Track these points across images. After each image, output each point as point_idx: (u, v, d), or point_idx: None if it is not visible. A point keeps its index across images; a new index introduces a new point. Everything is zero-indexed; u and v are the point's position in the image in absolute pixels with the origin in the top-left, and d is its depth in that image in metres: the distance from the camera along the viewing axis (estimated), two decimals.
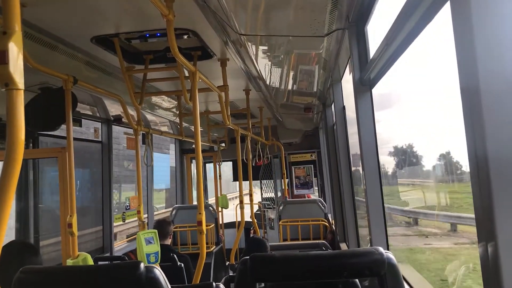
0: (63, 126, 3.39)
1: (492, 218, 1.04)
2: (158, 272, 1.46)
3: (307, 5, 2.49)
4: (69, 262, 3.11)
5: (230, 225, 8.79)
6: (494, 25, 1.07)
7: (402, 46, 1.85)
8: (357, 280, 1.75)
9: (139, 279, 1.39)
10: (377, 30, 2.52)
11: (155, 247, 3.85)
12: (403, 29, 1.66)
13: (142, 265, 1.42)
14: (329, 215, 7.28)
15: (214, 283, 1.82)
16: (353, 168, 4.56)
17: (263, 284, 2.17)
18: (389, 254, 1.39)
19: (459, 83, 1.12)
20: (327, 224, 6.96)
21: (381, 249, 1.39)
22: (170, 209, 8.02)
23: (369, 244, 2.86)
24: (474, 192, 1.13)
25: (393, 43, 1.83)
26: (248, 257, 1.41)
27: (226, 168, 10.58)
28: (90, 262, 3.17)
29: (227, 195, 8.13)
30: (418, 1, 1.43)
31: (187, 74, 3.59)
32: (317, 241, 5.29)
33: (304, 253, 1.43)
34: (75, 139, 3.32)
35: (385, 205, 2.61)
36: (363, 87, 2.57)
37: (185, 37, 3.20)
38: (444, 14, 1.33)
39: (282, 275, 1.41)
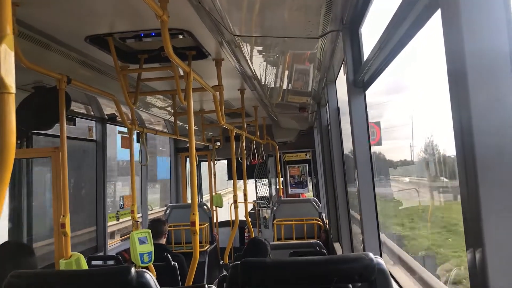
0: (57, 125, 3.39)
1: (479, 223, 1.05)
2: (149, 276, 1.46)
3: (302, 7, 2.50)
4: (62, 262, 3.10)
5: (225, 224, 8.79)
6: (483, 33, 1.08)
7: (395, 49, 1.86)
8: (350, 285, 1.77)
9: (129, 284, 1.39)
10: (370, 32, 2.53)
11: (149, 247, 3.85)
12: (397, 32, 1.67)
13: (133, 270, 1.42)
14: (323, 215, 7.30)
15: (206, 285, 1.82)
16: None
17: None
18: (379, 260, 1.40)
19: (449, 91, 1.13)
20: (321, 223, 6.98)
21: (371, 254, 1.40)
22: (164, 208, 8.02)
23: (361, 245, 2.87)
24: (462, 196, 1.14)
25: (386, 46, 1.84)
26: (239, 262, 1.42)
27: (219, 165, 10.56)
28: (83, 262, 3.16)
29: (220, 190, 8.13)
30: (411, 5, 1.43)
31: (182, 74, 3.59)
32: (310, 241, 5.30)
33: (295, 259, 1.44)
34: (69, 138, 3.31)
35: None
36: (357, 89, 2.58)
37: (180, 36, 3.19)
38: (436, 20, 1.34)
39: (272, 280, 1.42)
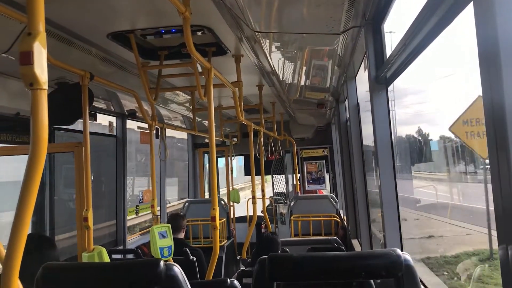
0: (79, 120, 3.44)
1: None
2: (178, 269, 1.48)
3: (324, 3, 2.48)
4: (85, 255, 3.15)
5: (241, 219, 8.83)
6: None
7: (420, 46, 1.84)
8: (372, 282, 1.76)
9: (158, 277, 1.42)
10: (394, 28, 2.51)
11: (169, 241, 3.88)
12: (422, 30, 1.65)
13: (161, 263, 1.45)
14: (341, 211, 7.28)
15: (228, 280, 1.84)
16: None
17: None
18: (406, 256, 1.39)
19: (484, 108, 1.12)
20: (338, 220, 6.96)
21: (398, 250, 1.40)
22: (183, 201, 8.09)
23: (381, 242, 2.86)
24: (495, 192, 1.12)
25: (411, 43, 1.82)
26: (266, 256, 1.43)
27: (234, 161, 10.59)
28: (105, 255, 3.21)
29: (235, 186, 8.16)
30: (439, 2, 1.42)
31: (201, 70, 3.61)
32: (328, 237, 5.29)
33: (322, 254, 1.44)
34: (89, 133, 3.35)
35: None
36: (379, 86, 2.56)
37: (200, 33, 3.21)
38: (466, 15, 1.32)
39: (300, 275, 1.42)
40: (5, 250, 1.18)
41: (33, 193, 1.20)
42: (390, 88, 2.58)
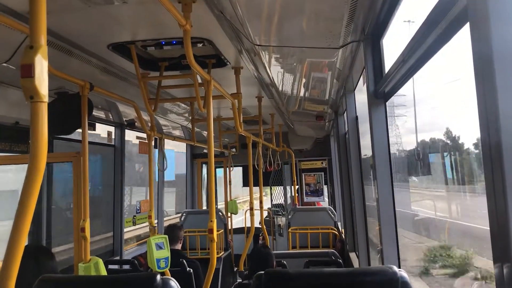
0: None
1: (508, 237, 1.04)
2: (174, 283, 1.48)
3: (323, 17, 2.51)
4: (81, 266, 3.14)
5: (239, 230, 8.80)
6: None
7: (419, 62, 1.86)
8: None
9: None
10: (392, 43, 2.53)
11: (165, 253, 3.87)
12: (422, 46, 1.66)
13: (158, 277, 1.44)
14: (339, 224, 7.26)
15: None
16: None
17: None
18: (402, 273, 1.40)
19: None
20: (336, 232, 6.94)
21: (394, 267, 1.40)
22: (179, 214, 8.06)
23: (378, 255, 2.85)
24: (490, 209, 1.13)
25: (410, 59, 1.84)
26: (262, 272, 1.43)
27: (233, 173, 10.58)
28: (102, 266, 3.20)
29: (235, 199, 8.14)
30: (438, 18, 1.43)
31: (201, 81, 3.62)
32: (326, 250, 5.28)
33: (318, 270, 1.44)
34: (88, 143, 3.35)
35: None
36: (377, 100, 2.58)
37: (200, 45, 3.23)
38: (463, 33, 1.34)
39: None
40: (2, 260, 1.18)
41: (31, 204, 1.21)
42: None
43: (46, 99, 1.18)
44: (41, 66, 1.15)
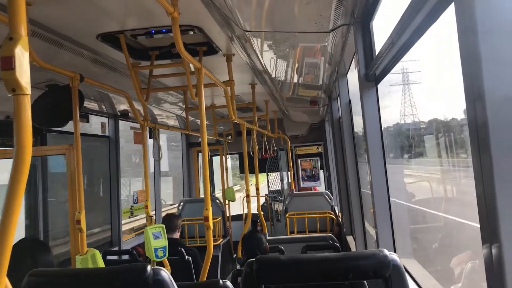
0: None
1: (496, 218, 1.05)
2: (165, 273, 1.48)
3: (312, 1, 2.48)
4: (78, 258, 3.15)
5: (237, 217, 8.83)
6: (498, 21, 1.06)
7: (408, 43, 1.85)
8: (365, 282, 1.77)
9: (146, 282, 1.41)
10: (382, 26, 2.51)
11: (163, 242, 3.88)
12: (409, 27, 1.65)
13: (149, 267, 1.44)
14: (336, 208, 7.30)
15: (221, 280, 1.84)
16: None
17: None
18: (394, 256, 1.40)
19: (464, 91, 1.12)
20: (333, 216, 6.98)
21: (385, 251, 1.41)
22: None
23: (375, 239, 2.87)
24: (478, 190, 1.13)
25: (399, 40, 1.82)
26: (254, 259, 1.44)
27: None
28: (99, 257, 3.21)
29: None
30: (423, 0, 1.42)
31: (193, 69, 3.60)
32: (323, 234, 5.31)
33: (310, 255, 1.45)
34: (82, 134, 3.34)
35: None
36: (369, 83, 2.57)
37: (191, 33, 3.20)
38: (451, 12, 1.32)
39: (288, 277, 1.43)
40: None
41: (18, 196, 1.21)
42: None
43: (28, 91, 1.16)
44: (22, 57, 1.14)
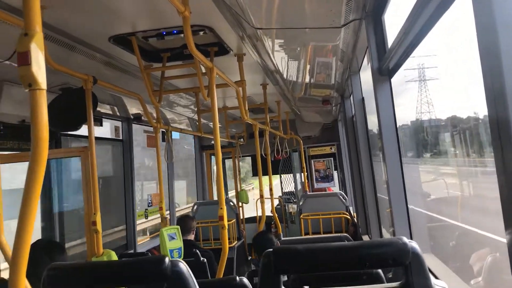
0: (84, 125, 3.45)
1: None
2: (183, 265, 1.48)
3: None
4: (94, 259, 3.17)
5: (251, 220, 8.82)
6: None
7: (420, 34, 1.83)
8: (380, 271, 1.74)
9: (164, 273, 1.41)
10: (394, 19, 2.48)
11: (178, 243, 3.89)
12: (421, 17, 1.63)
13: (167, 259, 1.44)
14: (351, 208, 7.24)
15: (237, 277, 1.83)
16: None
17: (285, 277, 2.17)
18: (413, 244, 1.38)
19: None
20: (348, 217, 6.92)
21: (405, 238, 1.38)
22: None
23: (391, 230, 2.84)
24: (499, 176, 1.11)
25: (411, 32, 1.80)
26: (271, 249, 1.43)
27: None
28: (115, 258, 3.22)
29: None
30: None
31: (204, 71, 3.61)
32: (338, 234, 5.26)
33: (327, 244, 1.43)
34: (96, 138, 3.36)
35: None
36: (382, 77, 2.55)
37: (201, 33, 3.21)
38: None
39: (305, 266, 1.41)
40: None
41: (36, 193, 1.20)
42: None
43: (44, 86, 1.17)
44: (37, 52, 1.14)
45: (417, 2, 1.67)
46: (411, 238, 2.46)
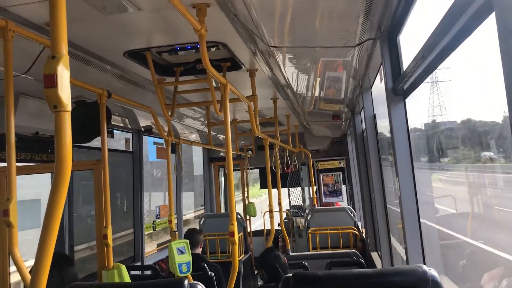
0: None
1: None
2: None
3: (338, 16, 2.49)
4: (104, 272, 3.16)
5: (258, 233, 8.78)
6: None
7: (439, 57, 1.82)
8: None
9: None
10: (410, 40, 2.49)
11: (187, 257, 3.87)
12: (443, 40, 1.63)
13: (186, 282, 1.44)
14: (359, 223, 7.20)
15: None
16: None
17: None
18: (433, 272, 1.37)
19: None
20: (357, 232, 6.88)
21: (424, 267, 1.38)
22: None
23: (401, 255, 2.81)
24: None
25: (430, 55, 1.80)
26: (291, 275, 1.42)
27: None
28: (125, 272, 3.22)
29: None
30: (459, 13, 1.40)
31: (215, 85, 3.63)
32: (347, 250, 5.22)
33: (347, 271, 1.42)
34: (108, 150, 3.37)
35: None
36: (396, 97, 2.54)
37: (214, 49, 3.24)
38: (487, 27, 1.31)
39: None
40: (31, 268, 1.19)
41: (58, 211, 1.22)
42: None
43: (69, 108, 1.19)
44: (63, 75, 1.16)
45: (439, 25, 1.67)
46: (424, 261, 2.44)
